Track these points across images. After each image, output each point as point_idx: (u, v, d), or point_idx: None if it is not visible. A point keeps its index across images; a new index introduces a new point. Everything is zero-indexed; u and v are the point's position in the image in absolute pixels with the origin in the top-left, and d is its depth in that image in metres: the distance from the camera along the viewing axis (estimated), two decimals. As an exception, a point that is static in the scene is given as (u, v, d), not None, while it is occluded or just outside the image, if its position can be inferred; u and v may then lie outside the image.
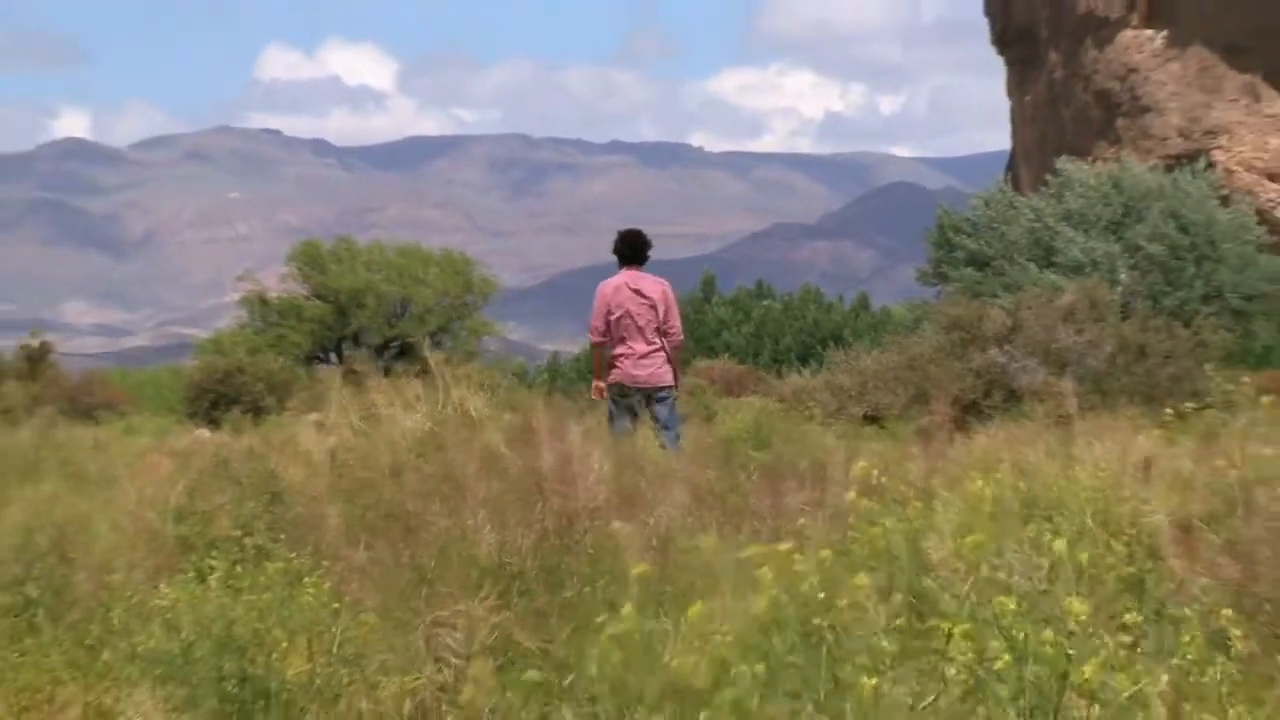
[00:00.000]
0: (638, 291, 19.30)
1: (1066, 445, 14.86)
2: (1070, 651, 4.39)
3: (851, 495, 9.03)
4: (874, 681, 4.31)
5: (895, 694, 4.37)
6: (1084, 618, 4.53)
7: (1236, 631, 7.84)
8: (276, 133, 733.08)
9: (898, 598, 4.69)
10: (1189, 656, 5.90)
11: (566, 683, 6.75)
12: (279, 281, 49.24)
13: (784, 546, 5.14)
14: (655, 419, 18.60)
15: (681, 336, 20.10)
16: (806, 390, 30.70)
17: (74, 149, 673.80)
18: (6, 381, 43.01)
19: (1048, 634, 4.41)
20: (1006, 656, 4.37)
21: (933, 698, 4.32)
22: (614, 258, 20.02)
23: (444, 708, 8.86)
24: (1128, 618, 5.14)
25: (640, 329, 19.12)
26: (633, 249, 19.85)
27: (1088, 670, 4.38)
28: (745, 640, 4.70)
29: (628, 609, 5.25)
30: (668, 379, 19.27)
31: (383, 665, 10.29)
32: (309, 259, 47.07)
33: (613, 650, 5.26)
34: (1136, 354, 29.61)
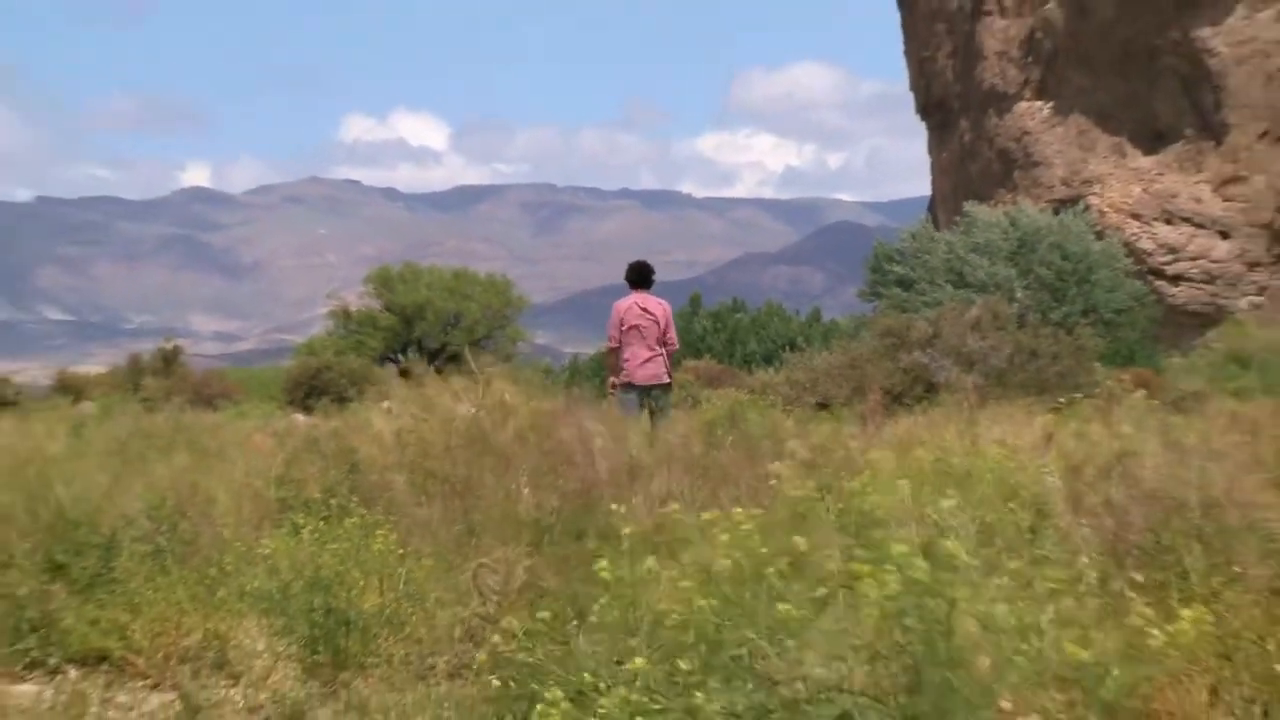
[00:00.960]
0: (645, 310, 19.66)
1: (973, 427, 14.91)
2: (956, 585, 4.41)
3: (779, 466, 9.04)
4: (802, 613, 4.33)
5: (822, 622, 4.39)
6: (965, 558, 4.52)
7: (1108, 572, 7.87)
8: (356, 182, 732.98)
9: (826, 550, 4.70)
10: (1068, 593, 5.93)
11: (580, 615, 6.75)
12: (358, 298, 49.48)
13: (738, 511, 5.16)
14: (654, 407, 19.18)
15: (677, 345, 20.44)
16: (770, 384, 30.77)
17: (198, 195, 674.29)
18: (146, 377, 43.23)
19: (923, 566, 4.40)
20: (900, 589, 4.37)
21: (849, 625, 4.33)
22: (624, 281, 20.36)
23: (487, 633, 8.88)
24: (1013, 564, 5.14)
25: (645, 339, 19.49)
26: (641, 276, 20.19)
27: (975, 600, 4.39)
28: (706, 585, 4.73)
29: (607, 562, 5.26)
30: (664, 378, 19.71)
31: (438, 600, 10.36)
32: (381, 281, 47.39)
33: (609, 590, 5.29)
34: (1030, 355, 29.88)
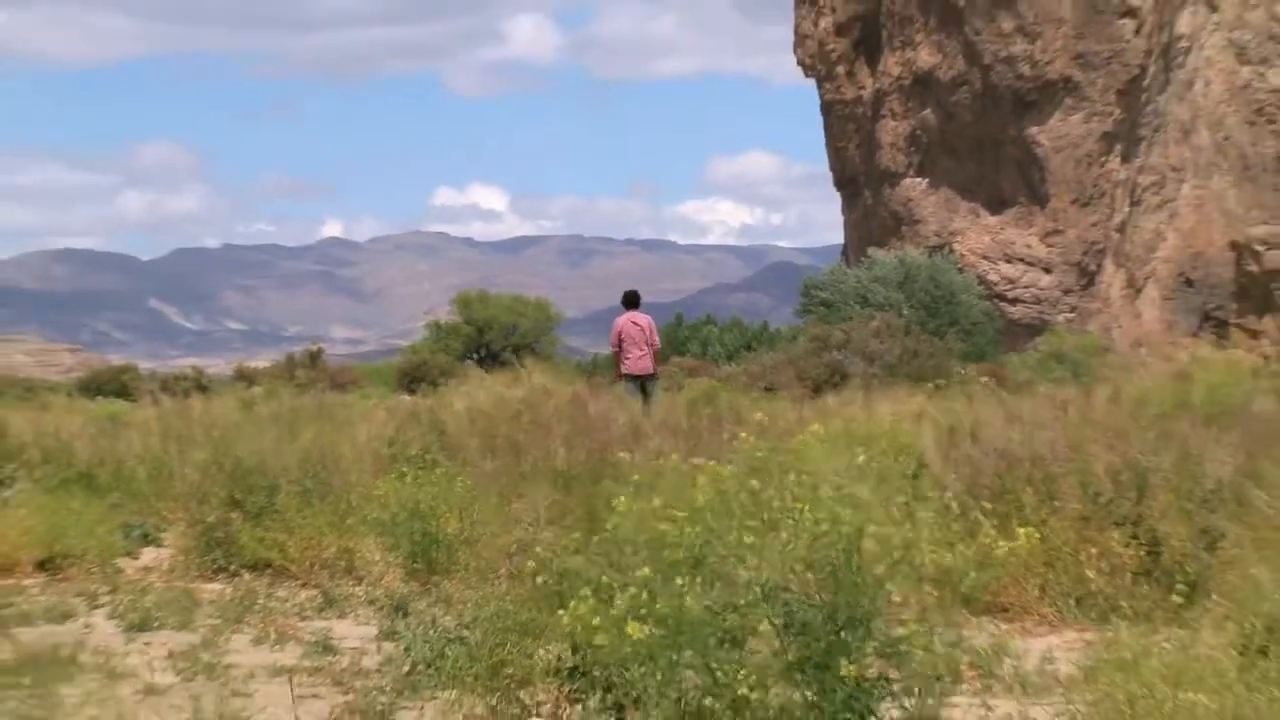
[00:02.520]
0: (635, 323, 20.18)
1: (872, 404, 14.91)
2: (860, 517, 4.37)
3: (743, 434, 9.00)
4: (752, 540, 4.29)
5: (770, 541, 4.33)
6: (868, 497, 4.47)
7: (967, 505, 7.86)
8: (444, 233, 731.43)
9: (772, 490, 4.66)
10: (939, 519, 5.91)
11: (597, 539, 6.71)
12: (446, 315, 49.47)
13: (711, 463, 5.11)
14: (646, 391, 19.42)
15: (659, 346, 20.82)
16: (733, 374, 30.76)
17: (334, 243, 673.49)
18: (298, 369, 43.33)
19: (828, 497, 4.36)
20: (821, 516, 4.32)
21: (790, 543, 4.29)
22: (621, 304, 21.01)
23: (531, 550, 8.86)
24: (900, 499, 5.09)
25: (636, 343, 19.97)
26: (631, 300, 20.83)
27: (871, 526, 4.36)
28: (693, 514, 4.69)
29: (616, 499, 5.20)
30: (652, 370, 20.16)
31: (500, 526, 10.34)
32: (462, 303, 47.41)
33: (619, 518, 5.23)
34: (913, 354, 29.91)
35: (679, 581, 4.23)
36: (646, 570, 4.32)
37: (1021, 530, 7.69)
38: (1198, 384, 16.84)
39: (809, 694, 4.09)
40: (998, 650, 7.38)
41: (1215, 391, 16.05)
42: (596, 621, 4.47)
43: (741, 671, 4.01)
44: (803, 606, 4.17)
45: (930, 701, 4.40)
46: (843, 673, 4.11)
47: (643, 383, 19.74)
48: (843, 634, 4.18)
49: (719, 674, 4.05)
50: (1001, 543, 5.70)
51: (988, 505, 8.72)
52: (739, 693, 4.01)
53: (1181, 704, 5.27)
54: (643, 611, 4.22)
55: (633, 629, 4.22)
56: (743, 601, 4.12)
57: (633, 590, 4.32)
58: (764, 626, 4.06)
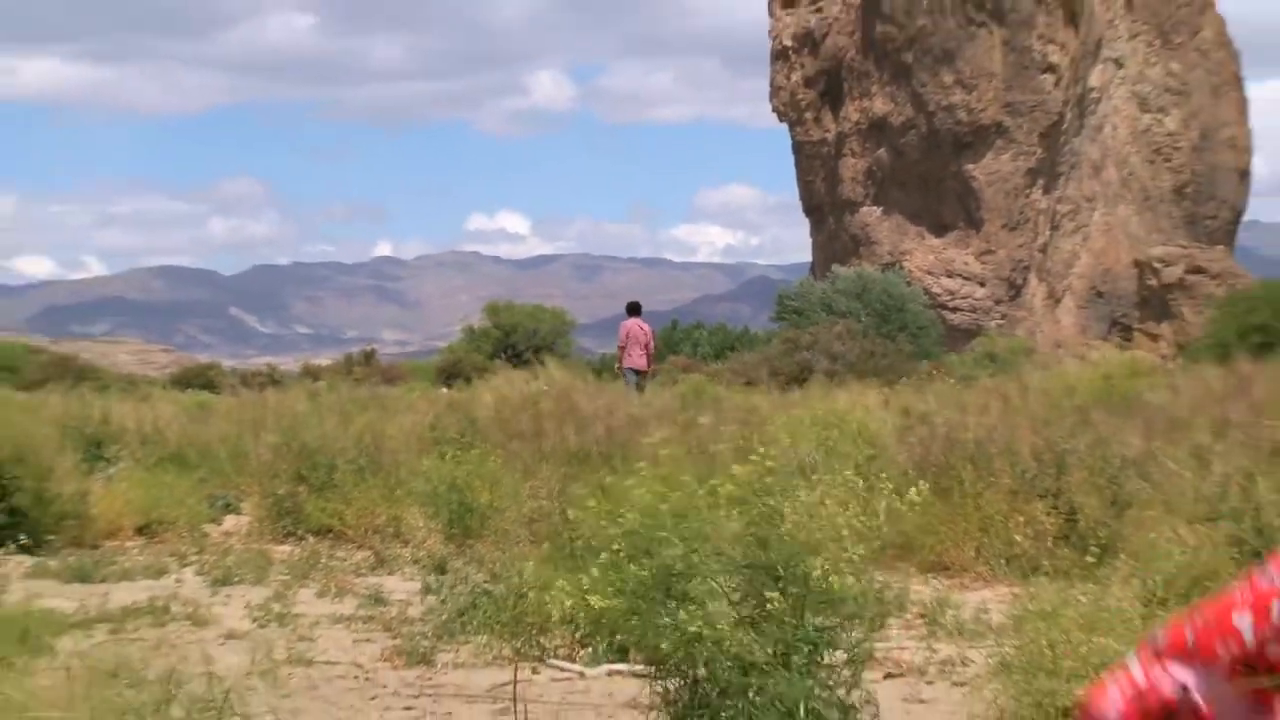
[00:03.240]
0: (641, 328, 20.37)
1: (837, 397, 14.88)
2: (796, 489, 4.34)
3: (709, 420, 9.01)
4: (724, 508, 4.28)
5: (728, 515, 4.30)
6: (825, 473, 4.43)
7: (911, 480, 7.85)
8: (476, 252, 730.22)
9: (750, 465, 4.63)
10: (895, 491, 5.90)
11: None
12: (478, 321, 49.37)
13: (700, 445, 5.11)
14: (640, 383, 19.55)
15: (653, 348, 21.19)
16: (719, 371, 30.65)
17: (385, 260, 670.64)
18: (355, 366, 43.33)
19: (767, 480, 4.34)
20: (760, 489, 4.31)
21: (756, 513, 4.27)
22: (626, 312, 21.07)
23: (547, 519, 8.86)
24: (846, 473, 5.05)
25: (638, 343, 20.19)
26: (634, 309, 20.96)
27: (811, 496, 4.33)
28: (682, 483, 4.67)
29: (635, 477, 5.17)
30: (646, 367, 20.43)
31: (523, 498, 10.31)
32: (492, 311, 47.32)
33: (607, 494, 5.20)
34: (870, 354, 29.85)
35: (638, 557, 4.24)
36: (620, 535, 4.32)
37: (940, 498, 7.67)
38: (1107, 380, 16.81)
39: (759, 638, 4.08)
40: (940, 602, 7.37)
41: (1121, 386, 16.04)
42: (570, 604, 4.54)
43: (695, 614, 4.01)
44: (744, 567, 4.17)
45: (863, 641, 4.38)
46: (778, 612, 4.11)
47: (638, 375, 19.95)
48: (784, 586, 4.17)
49: (682, 621, 4.04)
50: (899, 502, 5.66)
51: (936, 482, 8.73)
52: (699, 632, 4.01)
53: (1094, 648, 5.25)
54: (606, 586, 4.26)
55: (595, 600, 4.26)
56: (698, 559, 4.12)
57: (594, 572, 4.34)
58: (713, 585, 4.05)
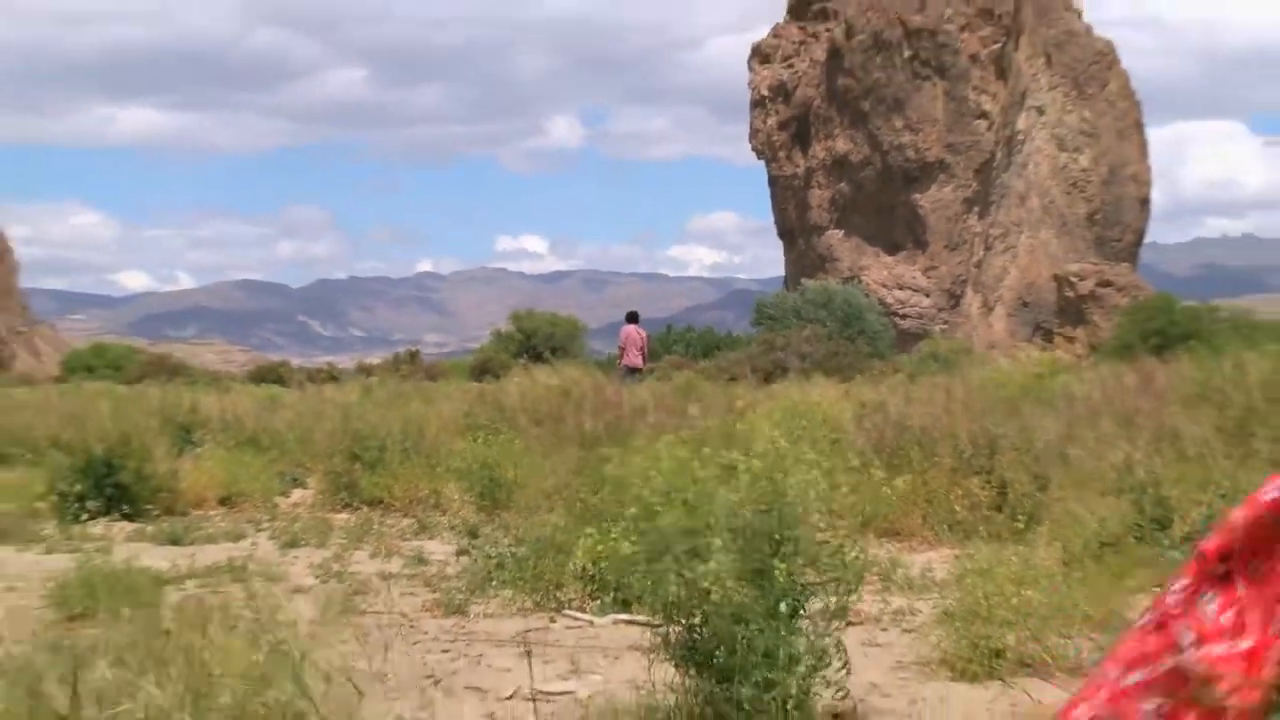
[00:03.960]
0: (638, 333, 20.23)
1: (806, 389, 14.86)
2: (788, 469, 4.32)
3: (696, 410, 8.97)
4: (714, 486, 4.26)
5: (724, 487, 4.27)
6: (793, 454, 4.39)
7: (872, 461, 7.84)
8: (503, 268, 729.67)
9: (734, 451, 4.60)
10: (855, 470, 5.88)
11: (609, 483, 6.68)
12: (504, 326, 49.17)
13: (685, 433, 5.05)
14: (634, 380, 19.02)
15: (647, 349, 20.96)
16: (707, 368, 30.57)
17: (427, 275, 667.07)
18: (402, 365, 43.22)
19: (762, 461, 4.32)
20: (759, 468, 4.27)
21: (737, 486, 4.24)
22: (628, 319, 20.97)
23: (563, 493, 8.83)
24: (811, 455, 5.00)
25: (634, 345, 20.03)
26: (632, 317, 20.92)
27: (796, 474, 4.30)
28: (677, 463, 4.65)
29: (620, 454, 5.14)
30: (641, 365, 20.15)
31: (545, 474, 10.27)
32: (516, 318, 47.11)
33: (617, 468, 5.17)
34: (833, 354, 29.76)
35: (658, 512, 4.19)
36: (633, 509, 4.28)
37: (907, 478, 7.64)
38: (1034, 376, 16.77)
39: (754, 593, 4.05)
40: (893, 562, 7.34)
41: (1045, 381, 15.99)
42: (600, 549, 4.46)
43: (703, 570, 3.98)
44: (743, 530, 4.14)
45: (843, 597, 4.36)
46: (776, 574, 4.08)
47: (635, 372, 19.77)
48: (780, 546, 4.14)
49: (687, 576, 4.02)
50: (887, 488, 5.64)
51: (889, 461, 8.71)
52: (702, 586, 3.99)
53: (1022, 599, 5.24)
54: (633, 536, 4.20)
55: (625, 546, 4.20)
56: (702, 527, 4.09)
57: (623, 523, 4.29)
58: (718, 542, 4.02)
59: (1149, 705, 1.25)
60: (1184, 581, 1.33)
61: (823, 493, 4.31)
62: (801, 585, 4.22)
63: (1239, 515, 1.32)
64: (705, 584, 3.92)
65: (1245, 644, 1.21)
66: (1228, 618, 1.24)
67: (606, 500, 5.44)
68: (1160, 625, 1.31)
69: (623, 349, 20.37)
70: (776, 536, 4.15)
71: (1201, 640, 1.24)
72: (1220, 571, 1.28)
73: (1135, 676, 1.28)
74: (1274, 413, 9.29)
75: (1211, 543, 1.29)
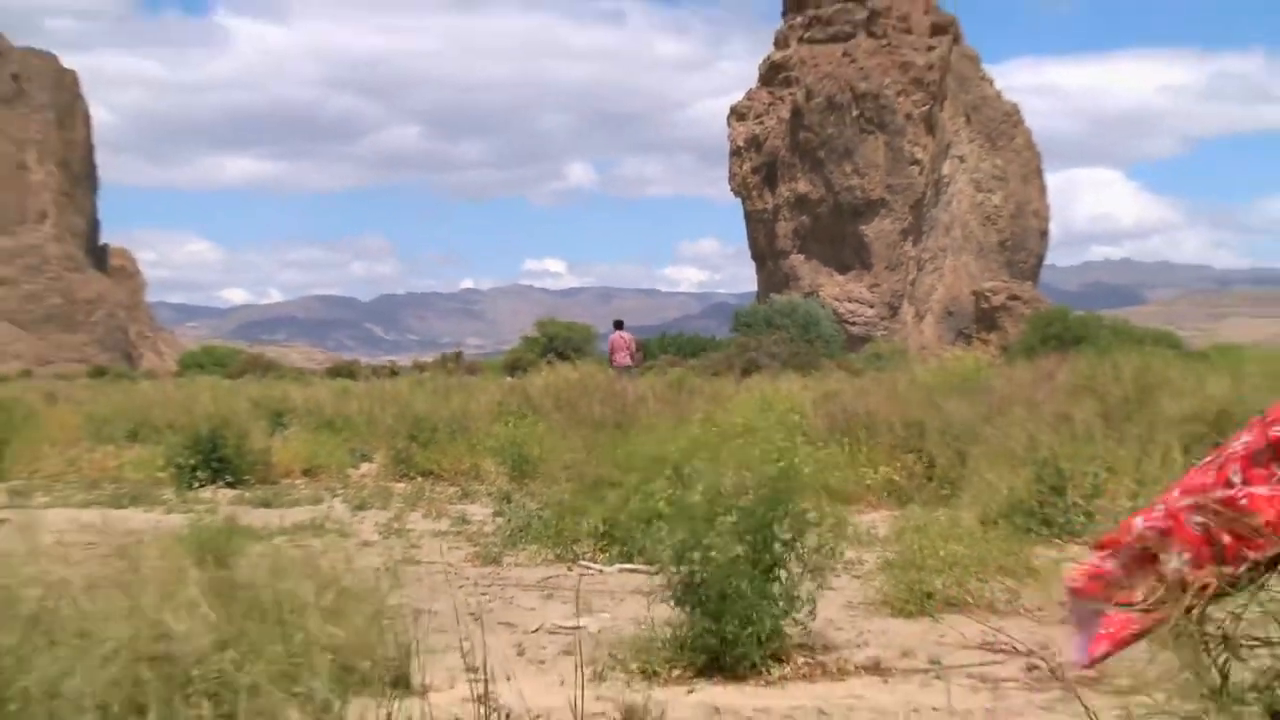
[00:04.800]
0: (621, 337, 18.90)
1: (777, 383, 14.78)
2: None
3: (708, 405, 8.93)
4: (713, 462, 4.22)
5: (724, 462, 4.24)
6: (782, 438, 4.35)
7: (828, 439, 7.81)
8: (530, 285, 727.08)
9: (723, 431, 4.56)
10: (815, 447, 5.86)
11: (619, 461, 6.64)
12: (532, 332, 48.79)
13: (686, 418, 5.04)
14: (627, 377, 18.38)
15: (635, 350, 19.58)
16: (696, 366, 30.47)
17: (469, 291, 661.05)
18: (449, 363, 43.02)
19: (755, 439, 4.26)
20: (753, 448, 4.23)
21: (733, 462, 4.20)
22: (613, 326, 19.71)
23: (578, 464, 8.79)
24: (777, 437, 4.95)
25: (620, 349, 18.68)
26: (618, 324, 19.57)
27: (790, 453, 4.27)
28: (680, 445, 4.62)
29: (648, 437, 5.10)
30: (629, 364, 18.76)
31: (562, 451, 10.22)
32: (541, 326, 46.83)
33: (634, 447, 5.14)
34: (796, 354, 29.63)
35: (661, 484, 4.15)
36: (634, 476, 4.24)
37: (881, 468, 7.56)
38: (955, 374, 16.70)
39: (750, 550, 4.02)
40: (843, 522, 7.31)
41: (964, 377, 15.93)
42: (629, 506, 4.42)
43: (713, 535, 3.95)
44: (743, 500, 4.10)
45: (822, 554, 4.34)
46: (771, 540, 4.04)
47: (624, 371, 18.80)
48: (771, 515, 4.11)
49: (698, 536, 3.98)
50: (867, 471, 5.60)
51: (841, 440, 8.68)
52: (705, 544, 3.95)
53: (948, 552, 5.21)
54: (660, 503, 4.16)
55: (663, 508, 4.14)
56: (703, 497, 4.05)
57: (633, 479, 4.25)
58: (730, 518, 3.98)
59: (1196, 520, 1.27)
60: (1247, 438, 1.31)
61: (812, 476, 4.25)
62: (785, 544, 4.18)
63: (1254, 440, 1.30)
64: (713, 546, 3.88)
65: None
66: (1273, 472, 1.25)
67: (616, 472, 5.41)
68: (1220, 466, 1.31)
69: (612, 352, 19.71)
70: (775, 510, 4.10)
71: (1248, 482, 1.26)
72: (1276, 441, 1.27)
73: (1190, 501, 1.30)
74: (1144, 401, 9.27)
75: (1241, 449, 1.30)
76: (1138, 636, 1.30)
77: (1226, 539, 1.22)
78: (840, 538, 6.85)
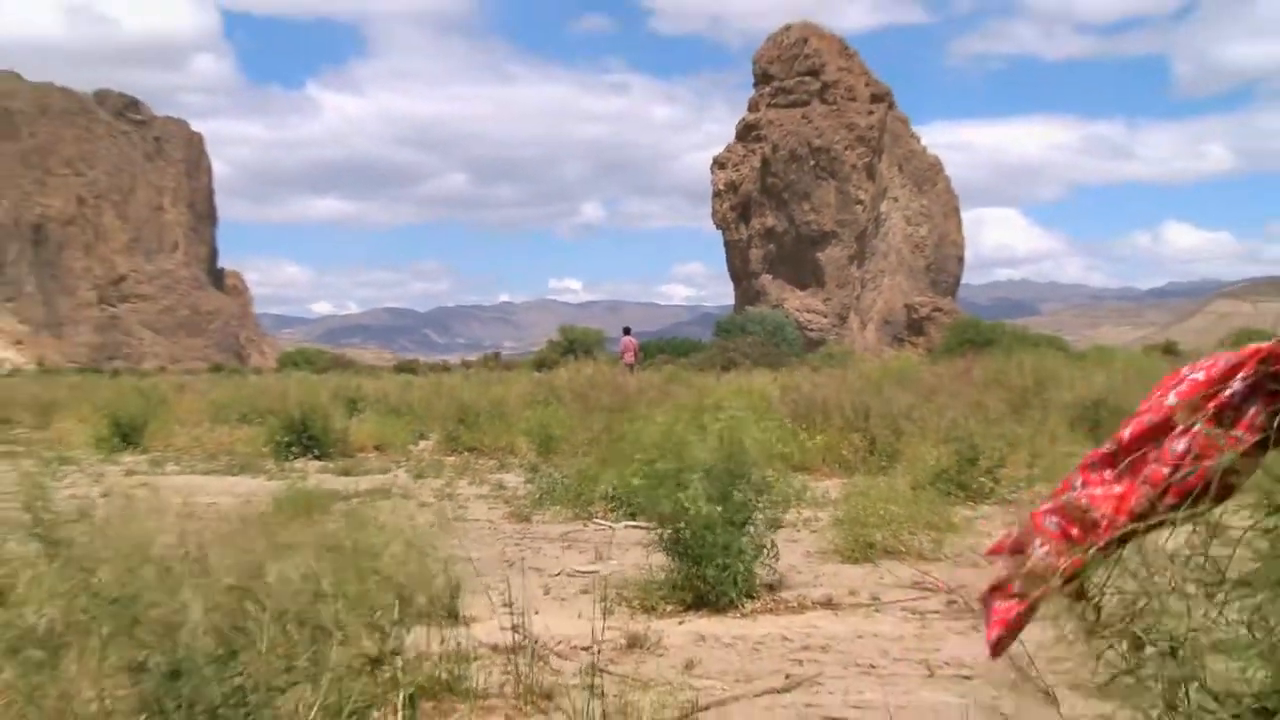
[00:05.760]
0: (629, 341, 19.05)
1: (750, 378, 14.67)
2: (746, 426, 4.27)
3: (686, 392, 8.84)
4: (693, 439, 4.20)
5: (701, 440, 4.20)
6: (748, 418, 4.31)
7: (792, 422, 7.77)
8: (554, 300, 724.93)
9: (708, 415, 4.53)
10: (779, 428, 5.84)
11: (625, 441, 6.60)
12: (555, 336, 48.27)
13: (679, 403, 4.99)
14: (633, 371, 18.38)
15: (637, 350, 19.57)
16: (685, 365, 30.23)
17: (505, 305, 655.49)
18: (490, 362, 42.57)
19: (727, 422, 4.22)
20: (720, 427, 4.20)
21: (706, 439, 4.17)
22: (623, 332, 20.01)
23: (593, 442, 8.75)
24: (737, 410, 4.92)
25: (630, 350, 18.82)
26: (626, 331, 19.78)
27: (749, 432, 4.24)
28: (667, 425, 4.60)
29: (646, 421, 5.05)
30: (633, 363, 18.81)
31: (579, 432, 10.15)
32: (563, 331, 46.12)
33: (636, 429, 5.11)
34: (765, 355, 29.42)
35: (657, 460, 4.13)
36: (640, 456, 4.22)
37: (818, 436, 7.53)
38: (892, 370, 16.63)
39: (719, 510, 4.01)
40: (803, 487, 7.28)
41: (898, 372, 15.84)
42: (619, 483, 4.41)
43: (686, 495, 3.93)
44: (713, 468, 4.08)
45: (778, 514, 4.32)
46: (735, 498, 4.03)
47: (631, 367, 18.78)
48: (736, 480, 4.10)
49: (679, 499, 3.97)
50: (802, 440, 5.57)
51: (800, 423, 8.64)
52: (688, 506, 3.94)
53: (886, 511, 5.20)
54: (641, 474, 4.15)
55: (635, 479, 4.16)
56: (685, 466, 4.03)
57: (640, 456, 4.24)
58: (696, 478, 3.97)
59: (1051, 520, 1.30)
60: (1101, 452, 1.32)
61: (767, 445, 4.25)
62: (749, 503, 4.17)
63: (1138, 423, 1.29)
64: (687, 504, 3.88)
65: (1117, 489, 1.25)
66: (1109, 475, 1.27)
67: (623, 448, 5.38)
68: (1070, 477, 1.34)
69: (623, 352, 19.81)
70: (736, 475, 4.10)
71: (1086, 484, 1.29)
72: (1113, 450, 1.29)
73: (1048, 505, 1.33)
74: (1039, 391, 9.26)
75: (1123, 433, 1.29)
76: (1025, 616, 1.31)
77: (1075, 532, 1.26)
78: (800, 500, 6.86)
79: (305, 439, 10.44)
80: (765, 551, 4.17)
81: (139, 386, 17.69)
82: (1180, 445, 1.21)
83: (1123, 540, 1.24)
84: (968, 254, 78.38)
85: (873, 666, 3.25)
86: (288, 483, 7.32)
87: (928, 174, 74.24)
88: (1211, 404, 1.21)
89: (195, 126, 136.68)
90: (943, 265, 73.04)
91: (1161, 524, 1.21)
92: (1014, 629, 1.33)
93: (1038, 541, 1.30)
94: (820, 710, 2.82)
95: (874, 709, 2.80)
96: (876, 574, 4.68)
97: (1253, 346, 1.24)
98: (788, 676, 3.15)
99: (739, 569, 4.02)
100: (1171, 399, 1.25)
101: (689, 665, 3.27)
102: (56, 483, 7.62)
